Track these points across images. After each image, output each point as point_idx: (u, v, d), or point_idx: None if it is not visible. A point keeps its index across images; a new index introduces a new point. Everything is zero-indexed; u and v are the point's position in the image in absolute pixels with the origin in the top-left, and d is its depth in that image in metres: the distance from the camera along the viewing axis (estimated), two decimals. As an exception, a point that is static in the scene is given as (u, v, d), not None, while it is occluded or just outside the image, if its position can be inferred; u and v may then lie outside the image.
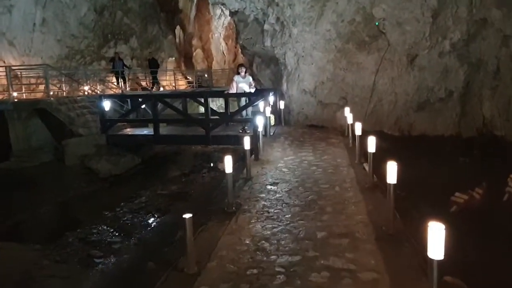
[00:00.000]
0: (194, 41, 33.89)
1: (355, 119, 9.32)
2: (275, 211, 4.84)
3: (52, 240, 6.31)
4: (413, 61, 10.79)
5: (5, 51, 15.84)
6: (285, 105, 12.82)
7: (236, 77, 10.13)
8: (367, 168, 6.41)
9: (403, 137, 11.20)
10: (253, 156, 7.68)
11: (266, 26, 13.03)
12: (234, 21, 15.68)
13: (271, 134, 9.79)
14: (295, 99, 12.69)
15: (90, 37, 18.93)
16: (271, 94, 11.08)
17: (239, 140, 7.74)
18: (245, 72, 10.16)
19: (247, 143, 6.46)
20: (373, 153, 5.66)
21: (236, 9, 13.63)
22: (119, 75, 18.09)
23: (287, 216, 4.64)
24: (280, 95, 12.96)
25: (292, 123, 12.74)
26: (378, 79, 11.32)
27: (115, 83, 18.59)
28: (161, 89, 20.13)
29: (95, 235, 6.60)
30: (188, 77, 25.98)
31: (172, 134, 10.35)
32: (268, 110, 9.41)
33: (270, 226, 4.37)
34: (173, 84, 21.66)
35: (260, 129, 7.86)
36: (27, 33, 16.36)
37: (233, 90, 9.89)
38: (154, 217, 7.59)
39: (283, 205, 5.05)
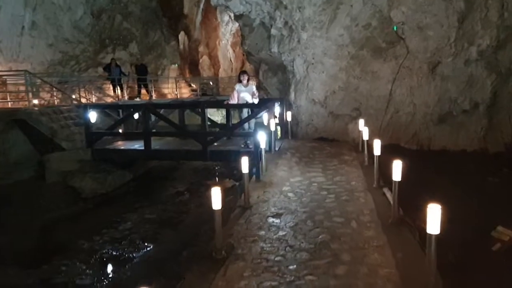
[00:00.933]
0: (201, 48, 33.12)
1: (370, 132, 8.31)
2: (276, 258, 3.76)
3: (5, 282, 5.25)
4: (434, 70, 9.69)
5: (-11, 55, 14.95)
6: (293, 116, 11.77)
7: (237, 86, 9.14)
8: (388, 195, 5.32)
9: (422, 152, 10.09)
10: (254, 176, 6.63)
11: (273, 31, 12.03)
12: (239, 26, 14.74)
13: (276, 149, 8.72)
14: (304, 110, 11.63)
15: (86, 42, 18.03)
16: (277, 104, 10.04)
17: (240, 156, 6.69)
18: (248, 80, 9.16)
19: (245, 164, 5.41)
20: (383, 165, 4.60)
21: (241, 12, 12.67)
22: (115, 82, 17.16)
23: (291, 267, 3.57)
24: (287, 105, 11.92)
25: (300, 136, 11.68)
26: (395, 89, 10.23)
27: (112, 92, 17.64)
28: (153, 97, 18.92)
29: (62, 274, 5.53)
30: (193, 85, 25.07)
31: (165, 149, 9.31)
32: (273, 122, 8.34)
33: (269, 284, 3.29)
34: (176, 92, 20.74)
35: (263, 145, 6.81)
36: (14, 36, 15.41)
37: (233, 100, 8.89)
38: (136, 250, 6.51)
39: (287, 248, 3.97)
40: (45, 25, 16.32)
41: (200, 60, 32.94)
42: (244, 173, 5.45)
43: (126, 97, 17.79)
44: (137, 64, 19.03)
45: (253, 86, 9.40)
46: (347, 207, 5.14)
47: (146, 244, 6.67)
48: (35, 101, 12.45)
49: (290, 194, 5.90)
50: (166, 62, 21.82)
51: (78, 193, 9.27)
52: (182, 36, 26.84)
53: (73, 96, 14.23)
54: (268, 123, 8.43)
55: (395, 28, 9.83)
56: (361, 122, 8.89)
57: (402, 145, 10.22)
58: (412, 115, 10.17)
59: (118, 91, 17.59)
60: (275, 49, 12.09)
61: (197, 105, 9.31)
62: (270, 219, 4.90)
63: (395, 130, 10.30)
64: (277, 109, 10.34)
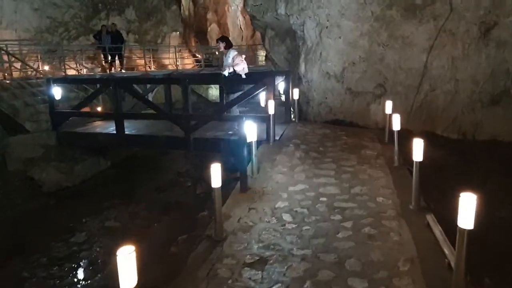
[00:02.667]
0: (209, 15, 30.85)
1: (397, 113, 6.33)
2: None
3: None
4: (488, 34, 7.42)
5: (-33, 22, 13.21)
6: (302, 94, 9.73)
7: (233, 50, 7.26)
8: (437, 232, 3.36)
9: (465, 142, 7.95)
10: (239, 183, 4.74)
11: (279, -13, 9.83)
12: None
13: (277, 138, 6.76)
14: (316, 85, 9.53)
15: (77, 7, 16.11)
16: (280, 79, 8.01)
17: (228, 147, 4.83)
18: (226, 47, 7.26)
19: (215, 174, 3.52)
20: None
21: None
22: (106, 52, 15.26)
23: None
24: (295, 80, 9.86)
25: (311, 118, 9.65)
26: (431, 60, 8.04)
27: (104, 62, 15.75)
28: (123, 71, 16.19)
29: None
30: (197, 55, 22.97)
31: (141, 134, 7.47)
32: (272, 104, 6.33)
33: None
34: (177, 63, 18.72)
35: (253, 137, 4.87)
36: (-6, 0, 13.64)
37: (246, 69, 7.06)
38: (75, 281, 4.78)
39: None
40: (28, -14, 14.42)
41: (209, 29, 30.73)
42: (214, 188, 3.57)
43: (121, 69, 15.87)
44: (111, 30, 16.20)
45: (232, 52, 7.50)
46: (372, 253, 3.21)
47: (90, 271, 4.93)
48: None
49: (286, 217, 4.00)
50: (166, 30, 19.73)
51: (39, 186, 7.62)
52: (186, 1, 24.59)
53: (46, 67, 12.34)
54: (266, 104, 6.44)
55: (435, -21, 7.57)
56: (388, 104, 6.84)
57: (439, 133, 8.12)
58: (453, 94, 7.99)
59: (111, 62, 15.71)
60: (282, 10, 9.89)
61: (178, 81, 7.33)
62: (247, 273, 3.04)
63: (430, 114, 8.17)
64: (281, 84, 8.33)
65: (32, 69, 12.06)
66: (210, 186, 3.62)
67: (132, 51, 18.00)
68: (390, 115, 6.88)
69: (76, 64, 15.20)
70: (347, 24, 8.63)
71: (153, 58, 18.04)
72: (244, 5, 12.32)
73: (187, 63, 20.96)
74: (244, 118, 4.67)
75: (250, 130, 4.68)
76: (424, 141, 4.07)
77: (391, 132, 6.29)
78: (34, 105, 8.48)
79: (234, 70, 7.15)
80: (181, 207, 6.81)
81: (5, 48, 11.00)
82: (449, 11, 7.62)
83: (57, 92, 7.85)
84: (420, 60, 8.15)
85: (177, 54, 18.74)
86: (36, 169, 7.59)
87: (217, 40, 7.43)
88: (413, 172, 4.11)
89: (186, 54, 21.74)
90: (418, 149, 3.97)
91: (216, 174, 3.51)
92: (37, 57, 13.39)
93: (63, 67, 13.67)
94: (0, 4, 13.67)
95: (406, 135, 5.60)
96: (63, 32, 15.67)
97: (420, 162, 4.00)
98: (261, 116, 6.53)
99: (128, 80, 8.39)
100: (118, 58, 16.13)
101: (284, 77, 8.30)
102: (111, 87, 7.21)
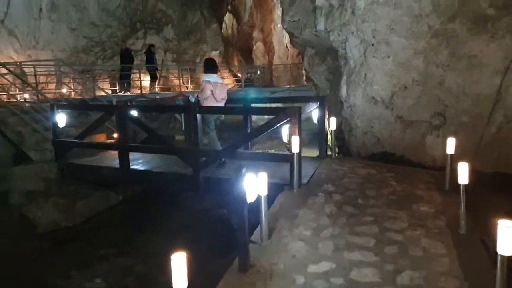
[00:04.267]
0: (255, 33, 30.27)
1: (461, 150, 4.85)
2: None
3: None
4: None
5: (4, 42, 13.12)
6: (345, 120, 8.36)
7: (207, 77, 6.06)
8: None
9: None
10: (237, 260, 3.46)
11: (318, 1, 8.60)
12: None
13: (305, 182, 5.42)
14: (360, 112, 8.11)
15: (115, 26, 15.80)
16: (313, 105, 6.69)
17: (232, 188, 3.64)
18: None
19: (176, 270, 2.29)
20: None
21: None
22: (126, 72, 14.45)
23: None
24: (336, 105, 8.49)
25: (355, 149, 8.22)
26: (508, 84, 6.40)
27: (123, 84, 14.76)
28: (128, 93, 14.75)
29: None
30: (239, 75, 22.16)
31: (146, 169, 6.42)
32: (296, 141, 4.98)
33: None
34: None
35: (253, 196, 3.58)
36: (31, 20, 13.53)
37: (211, 101, 5.86)
38: None
39: None
40: (66, 6, 14.29)
41: (254, 47, 30.08)
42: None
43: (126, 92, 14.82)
44: (121, 48, 15.18)
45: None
46: None
47: None
48: (26, 95, 10.31)
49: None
50: (206, 48, 19.06)
51: (34, 225, 6.77)
52: (229, 19, 23.99)
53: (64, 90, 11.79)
54: (289, 140, 5.13)
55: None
56: (450, 142, 5.30)
57: (517, 175, 6.40)
58: (536, 127, 6.30)
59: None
60: (321, 25, 8.63)
61: (185, 109, 6.23)
62: None
63: (505, 151, 6.48)
64: (315, 112, 7.01)
65: (49, 91, 11.64)
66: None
67: (169, 71, 17.42)
68: (452, 156, 5.37)
69: (110, 85, 14.74)
70: (397, 41, 7.19)
71: (191, 78, 17.35)
72: (281, 21, 11.19)
73: (227, 83, 20.13)
74: (244, 169, 3.38)
75: (252, 185, 3.41)
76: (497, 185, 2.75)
77: (453, 177, 4.80)
78: (41, 132, 7.75)
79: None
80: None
81: (12, 69, 10.40)
82: (532, 23, 5.99)
83: (61, 118, 7.05)
84: (491, 85, 6.53)
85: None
86: (32, 206, 6.74)
87: (209, 60, 6.33)
88: (497, 265, 2.64)
89: (226, 74, 20.94)
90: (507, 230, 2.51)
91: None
92: (69, 78, 13.00)
93: (96, 87, 13.21)
94: (37, 25, 13.55)
95: (473, 180, 4.09)
96: (98, 51, 15.35)
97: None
98: (285, 155, 5.23)
99: (133, 107, 7.40)
100: (122, 78, 14.81)
101: (318, 103, 6.94)
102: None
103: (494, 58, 6.42)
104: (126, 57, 14.67)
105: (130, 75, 14.91)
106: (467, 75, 6.71)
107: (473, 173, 4.06)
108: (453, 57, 6.80)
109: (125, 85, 14.53)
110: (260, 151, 5.86)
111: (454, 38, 6.74)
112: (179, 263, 2.29)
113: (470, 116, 6.77)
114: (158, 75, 16.08)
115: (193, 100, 6.07)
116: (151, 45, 16.50)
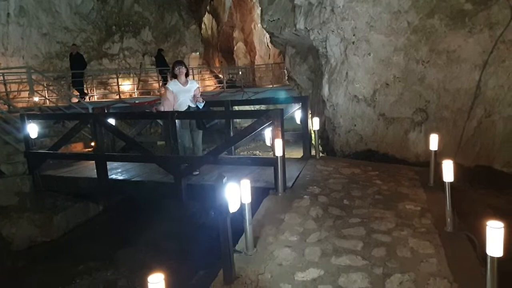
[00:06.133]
0: (236, 33, 30.01)
1: (443, 146, 4.84)
2: None
3: None
4: None
5: (-29, 49, 12.64)
6: (328, 119, 8.31)
7: (172, 84, 6.02)
8: None
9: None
10: (222, 272, 3.32)
11: (298, 0, 8.52)
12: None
13: (289, 185, 5.31)
14: (343, 110, 8.07)
15: (89, 30, 15.43)
16: (296, 106, 6.60)
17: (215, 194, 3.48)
18: (187, 75, 6.11)
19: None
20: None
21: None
22: (77, 78, 13.47)
23: None
24: (318, 104, 8.42)
25: (339, 147, 8.17)
26: (486, 79, 6.43)
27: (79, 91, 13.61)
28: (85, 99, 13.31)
29: None
30: (220, 76, 21.95)
31: (125, 178, 6.20)
32: (279, 144, 4.87)
33: None
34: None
35: (236, 206, 3.42)
36: (-1, 25, 13.06)
37: (167, 106, 5.76)
38: None
39: None
40: (36, 10, 13.83)
41: (235, 48, 29.81)
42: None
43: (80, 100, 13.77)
44: (71, 52, 13.48)
45: (194, 83, 6.33)
46: None
47: None
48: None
49: None
50: (185, 50, 18.81)
51: (8, 243, 6.47)
52: (209, 19, 23.73)
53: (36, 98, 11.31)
54: (273, 144, 5.02)
55: (489, -22, 6.01)
56: (433, 138, 5.27)
57: (498, 168, 6.43)
58: (516, 120, 6.34)
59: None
60: (301, 24, 8.55)
61: (161, 116, 6.01)
62: None
63: (486, 145, 6.51)
64: (298, 113, 6.92)
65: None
66: None
67: (148, 74, 17.12)
68: (436, 152, 5.34)
69: (88, 90, 14.37)
70: (377, 38, 7.17)
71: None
72: (260, 20, 11.07)
73: (208, 84, 19.92)
74: (224, 178, 3.25)
75: (234, 193, 3.27)
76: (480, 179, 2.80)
77: (437, 173, 4.79)
78: (13, 144, 7.42)
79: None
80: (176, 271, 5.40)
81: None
82: (509, 17, 6.01)
83: (33, 129, 6.76)
84: (471, 79, 6.55)
85: (197, 75, 17.72)
86: (6, 222, 6.42)
87: (176, 63, 6.15)
88: (487, 266, 2.58)
89: (207, 75, 20.71)
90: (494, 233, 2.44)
91: None
92: (43, 85, 12.60)
93: (70, 94, 12.84)
94: (5, 31, 13.09)
95: (456, 175, 4.05)
96: (73, 57, 14.93)
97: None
98: (269, 159, 5.11)
99: (110, 114, 7.17)
100: (74, 86, 13.70)
101: (300, 104, 6.85)
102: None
103: (472, 52, 6.44)
104: (76, 62, 13.23)
105: (82, 81, 13.74)
106: (447, 70, 6.72)
107: (455, 167, 4.00)
108: (433, 53, 6.81)
109: (79, 93, 13.28)
110: (244, 153, 5.64)
111: (433, 34, 6.74)
112: (156, 286, 2.13)
113: (451, 111, 6.78)
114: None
115: (201, 106, 5.96)
116: (160, 49, 16.34)
